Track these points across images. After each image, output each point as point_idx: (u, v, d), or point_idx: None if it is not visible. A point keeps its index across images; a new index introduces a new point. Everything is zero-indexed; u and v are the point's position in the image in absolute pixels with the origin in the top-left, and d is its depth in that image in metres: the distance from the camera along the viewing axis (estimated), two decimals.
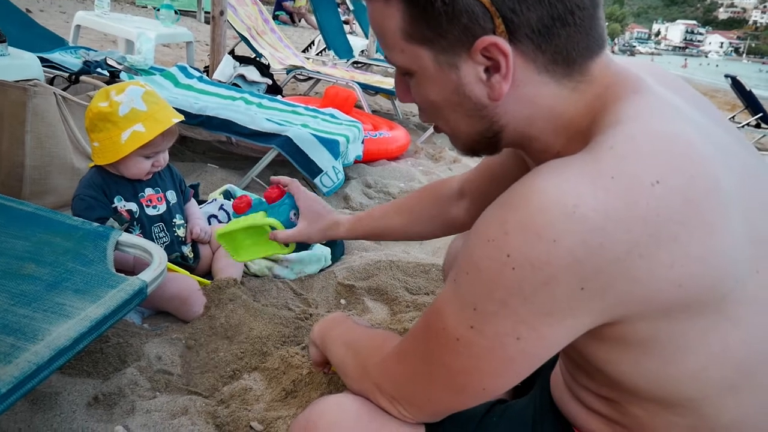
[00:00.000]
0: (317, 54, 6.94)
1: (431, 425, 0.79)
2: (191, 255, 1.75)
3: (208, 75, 3.57)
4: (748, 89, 7.04)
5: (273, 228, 1.19)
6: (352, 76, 4.62)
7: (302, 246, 2.00)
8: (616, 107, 0.64)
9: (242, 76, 3.70)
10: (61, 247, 1.25)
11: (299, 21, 12.21)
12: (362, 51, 7.26)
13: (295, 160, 2.48)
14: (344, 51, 6.22)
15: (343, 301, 1.81)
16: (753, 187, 0.65)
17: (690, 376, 0.63)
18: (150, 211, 1.64)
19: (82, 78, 2.16)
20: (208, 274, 1.78)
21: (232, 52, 4.16)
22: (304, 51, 7.07)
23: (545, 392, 0.84)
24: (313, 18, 9.45)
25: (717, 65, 57.60)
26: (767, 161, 0.76)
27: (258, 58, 4.13)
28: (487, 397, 0.68)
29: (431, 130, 4.34)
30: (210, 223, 1.94)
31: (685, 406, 0.65)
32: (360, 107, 4.18)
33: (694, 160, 0.59)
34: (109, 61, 2.51)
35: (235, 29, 4.27)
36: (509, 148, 0.85)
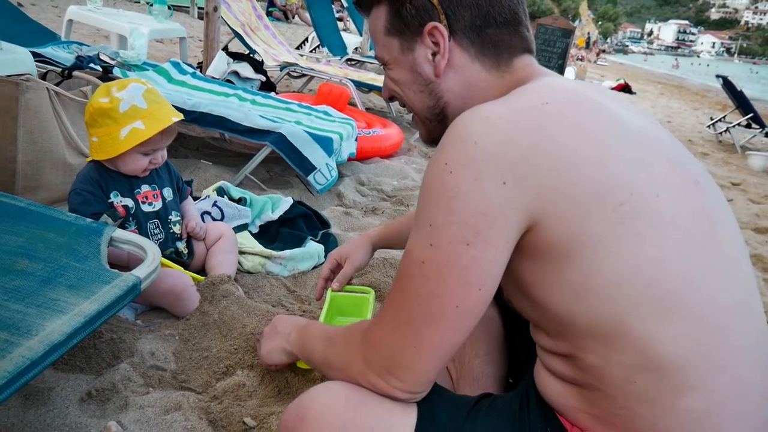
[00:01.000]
0: (311, 51, 6.94)
1: (424, 410, 0.81)
2: (186, 251, 1.75)
3: (201, 71, 3.57)
4: (739, 89, 7.09)
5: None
6: (345, 73, 4.62)
7: (296, 243, 2.01)
8: (527, 83, 0.84)
9: (236, 73, 3.70)
10: (55, 242, 1.24)
11: (293, 18, 12.18)
12: (356, 48, 7.25)
13: (288, 158, 2.49)
14: (338, 48, 6.22)
15: None
16: (643, 135, 0.79)
17: (608, 291, 0.71)
18: (146, 208, 1.64)
19: (75, 73, 2.15)
20: (201, 270, 1.78)
21: (225, 49, 4.15)
22: (297, 48, 7.07)
23: (531, 387, 0.87)
24: (307, 15, 9.43)
25: (708, 65, 57.89)
26: (664, 129, 0.87)
27: (252, 55, 4.13)
28: (463, 318, 0.76)
29: None
30: (204, 220, 1.94)
31: (619, 335, 0.72)
32: (353, 105, 4.18)
33: (579, 95, 0.80)
34: (102, 57, 2.49)
35: (228, 25, 4.26)
36: None
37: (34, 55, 2.22)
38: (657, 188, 0.74)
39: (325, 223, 2.28)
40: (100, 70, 2.30)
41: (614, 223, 0.71)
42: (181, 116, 1.61)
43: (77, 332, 1.00)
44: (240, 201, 2.15)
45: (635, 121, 0.81)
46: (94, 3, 4.07)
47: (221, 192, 2.16)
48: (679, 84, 20.53)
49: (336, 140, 2.66)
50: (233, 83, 3.52)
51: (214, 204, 2.05)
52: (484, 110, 0.76)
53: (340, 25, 8.40)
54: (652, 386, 0.72)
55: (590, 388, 0.76)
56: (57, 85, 2.00)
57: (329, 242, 2.14)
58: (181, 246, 1.74)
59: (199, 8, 9.66)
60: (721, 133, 7.42)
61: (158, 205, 1.68)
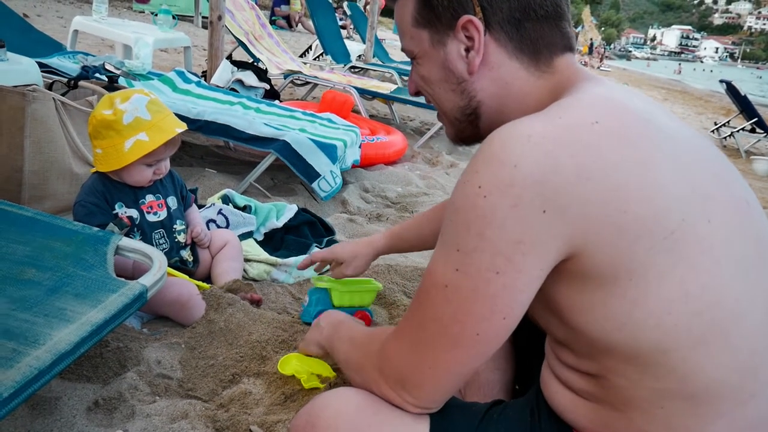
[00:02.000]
0: (314, 59, 6.96)
1: (435, 420, 0.80)
2: (191, 259, 1.76)
3: (205, 80, 3.58)
4: (742, 94, 7.08)
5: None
6: (349, 80, 4.64)
7: (301, 250, 2.02)
8: (570, 89, 0.77)
9: (240, 81, 3.71)
10: (62, 251, 1.25)
11: (296, 26, 12.24)
12: (359, 56, 7.27)
13: (293, 165, 2.49)
14: (341, 56, 6.24)
15: None
16: (693, 153, 0.74)
17: (654, 321, 0.67)
18: (151, 218, 1.65)
19: (81, 83, 2.16)
20: (207, 278, 1.78)
21: (229, 57, 4.17)
22: (301, 56, 7.09)
23: (540, 394, 0.86)
24: (310, 23, 9.47)
25: (711, 70, 57.84)
26: (712, 143, 0.83)
27: (255, 63, 4.14)
28: (482, 346, 0.72)
29: (429, 134, 4.36)
30: (209, 228, 1.94)
31: (660, 363, 0.68)
32: (357, 112, 4.19)
33: (629, 112, 0.72)
34: (108, 66, 2.51)
35: (232, 34, 4.28)
36: None
37: (40, 65, 2.23)
38: (709, 213, 0.69)
39: (329, 230, 2.28)
40: (106, 79, 2.31)
41: (664, 252, 0.66)
42: (185, 126, 1.61)
43: (84, 341, 1.00)
44: (245, 209, 2.15)
45: (683, 135, 0.76)
46: (99, 13, 4.09)
47: (226, 200, 2.17)
48: (682, 89, 20.51)
49: (340, 147, 2.67)
50: (237, 92, 3.54)
51: (219, 212, 2.05)
52: (526, 127, 0.69)
53: (344, 33, 8.42)
54: (680, 413, 0.69)
55: (609, 408, 0.74)
56: (63, 95, 2.01)
57: None
58: (186, 254, 1.74)
59: (203, 17, 9.71)
60: (725, 138, 7.41)
61: (163, 214, 1.68)
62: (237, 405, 1.27)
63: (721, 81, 7.59)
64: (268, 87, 3.84)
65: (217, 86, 3.46)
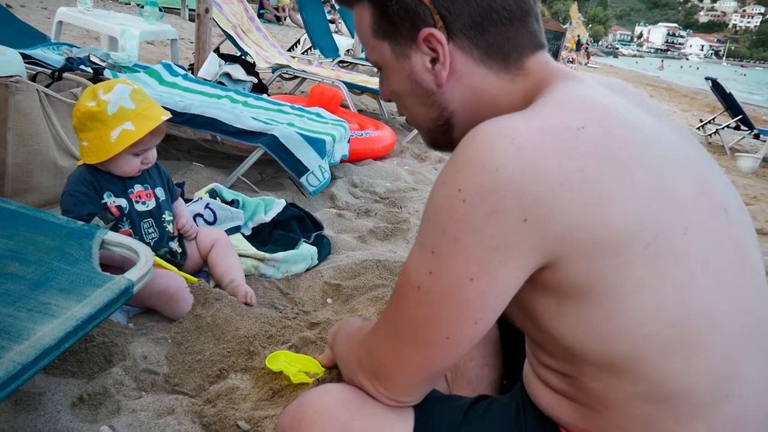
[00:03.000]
0: (303, 53, 6.93)
1: (420, 415, 0.81)
2: (179, 251, 1.74)
3: (193, 73, 3.55)
4: (728, 92, 7.15)
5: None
6: (337, 75, 4.62)
7: (289, 245, 2.01)
8: (548, 89, 0.74)
9: (227, 75, 3.68)
10: (46, 245, 1.23)
11: (284, 20, 12.17)
12: (348, 50, 7.25)
13: (281, 159, 2.48)
14: (330, 50, 6.21)
15: (329, 301, 1.81)
16: (676, 158, 0.72)
17: (627, 332, 0.67)
18: (139, 207, 1.64)
19: (65, 75, 2.13)
20: (195, 272, 1.76)
21: (217, 50, 4.13)
22: (289, 50, 7.05)
23: (525, 391, 0.86)
24: (298, 17, 9.42)
25: (697, 68, 58.38)
26: (696, 143, 0.82)
27: (243, 57, 4.11)
28: (452, 349, 0.72)
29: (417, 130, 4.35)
30: (196, 223, 1.92)
31: (632, 370, 0.68)
32: (346, 106, 4.17)
33: (614, 116, 0.70)
34: (93, 58, 2.48)
35: (220, 27, 4.24)
36: None
37: (24, 56, 2.19)
38: (685, 223, 0.68)
39: (318, 225, 2.27)
40: (91, 71, 2.28)
41: (640, 264, 0.65)
42: (169, 114, 1.61)
43: (69, 336, 0.99)
44: (233, 203, 2.14)
45: (668, 139, 0.74)
46: (84, 4, 4.04)
47: (214, 194, 2.15)
48: (668, 86, 20.67)
49: (328, 142, 2.65)
50: (225, 85, 3.51)
51: (207, 206, 2.04)
52: (508, 127, 0.66)
53: (332, 27, 8.39)
54: (656, 413, 0.69)
55: (587, 407, 0.74)
56: (47, 86, 1.98)
57: (322, 244, 2.13)
58: (175, 245, 1.73)
59: (190, 10, 9.62)
60: (710, 135, 7.48)
61: (152, 204, 1.67)
62: (224, 400, 1.27)
63: (707, 78, 7.65)
64: (255, 81, 3.81)
65: (205, 79, 3.44)
